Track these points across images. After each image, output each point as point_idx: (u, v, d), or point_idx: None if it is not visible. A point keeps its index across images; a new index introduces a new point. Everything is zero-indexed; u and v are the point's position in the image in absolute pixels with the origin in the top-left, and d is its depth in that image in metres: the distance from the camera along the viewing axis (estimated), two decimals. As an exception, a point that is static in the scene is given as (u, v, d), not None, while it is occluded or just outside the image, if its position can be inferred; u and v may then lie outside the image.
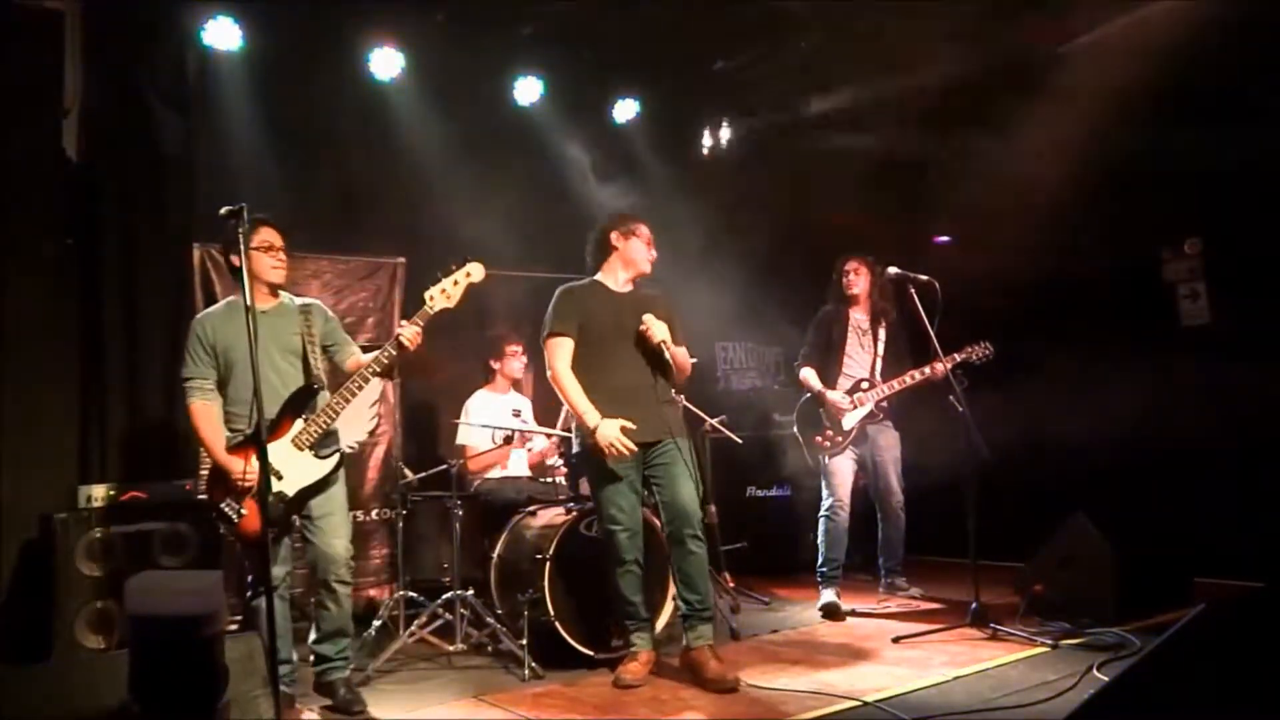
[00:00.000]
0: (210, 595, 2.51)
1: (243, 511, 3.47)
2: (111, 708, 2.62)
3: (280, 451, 3.52)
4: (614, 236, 4.06)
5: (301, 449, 3.57)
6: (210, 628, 2.42)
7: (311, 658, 3.70)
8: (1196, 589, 4.50)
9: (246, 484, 3.43)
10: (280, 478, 3.50)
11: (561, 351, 3.93)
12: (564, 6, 5.52)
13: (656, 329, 3.89)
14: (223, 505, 3.49)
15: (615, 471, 3.85)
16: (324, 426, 3.60)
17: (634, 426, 3.81)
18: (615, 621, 4.08)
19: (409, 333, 3.59)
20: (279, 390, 3.60)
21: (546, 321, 4.00)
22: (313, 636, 3.70)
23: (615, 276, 4.07)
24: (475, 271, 3.70)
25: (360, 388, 3.63)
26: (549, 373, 3.98)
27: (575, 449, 4.02)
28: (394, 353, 3.60)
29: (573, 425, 4.06)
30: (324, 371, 3.75)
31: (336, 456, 3.67)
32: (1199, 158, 4.99)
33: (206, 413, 3.61)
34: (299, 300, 3.86)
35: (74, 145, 5.00)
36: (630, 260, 4.04)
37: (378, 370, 3.63)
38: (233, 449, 3.57)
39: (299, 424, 3.59)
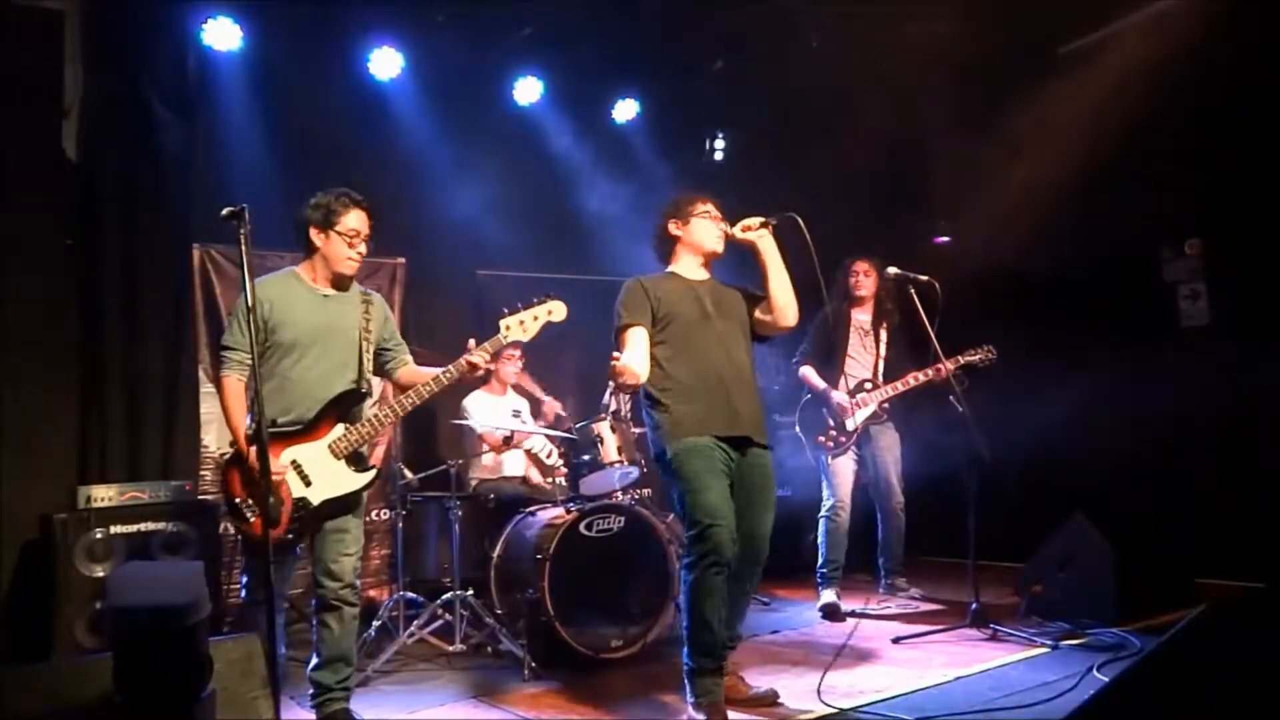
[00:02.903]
0: (191, 585, 2.44)
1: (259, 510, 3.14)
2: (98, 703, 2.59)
3: (314, 454, 3.22)
4: (672, 226, 3.66)
5: (338, 457, 3.25)
6: (191, 617, 2.36)
7: (310, 688, 3.33)
8: (1196, 589, 4.51)
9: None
10: (308, 483, 3.21)
11: (633, 341, 3.44)
12: (564, 6, 5.51)
13: (750, 219, 3.52)
14: (237, 500, 3.19)
15: (714, 462, 3.35)
16: (366, 438, 3.30)
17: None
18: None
19: (479, 359, 3.29)
20: (332, 383, 3.27)
21: (617, 314, 3.55)
22: (313, 662, 3.34)
23: (687, 265, 3.67)
24: (557, 310, 3.41)
25: (414, 404, 3.31)
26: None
27: (657, 451, 3.50)
28: (456, 375, 3.30)
29: (652, 426, 3.55)
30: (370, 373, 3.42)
31: (372, 473, 3.33)
32: (1200, 157, 5.00)
33: (240, 392, 3.27)
34: (360, 288, 3.51)
35: (74, 145, 4.99)
36: (696, 244, 3.62)
37: (436, 390, 3.30)
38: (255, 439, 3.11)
39: (339, 429, 3.27)
